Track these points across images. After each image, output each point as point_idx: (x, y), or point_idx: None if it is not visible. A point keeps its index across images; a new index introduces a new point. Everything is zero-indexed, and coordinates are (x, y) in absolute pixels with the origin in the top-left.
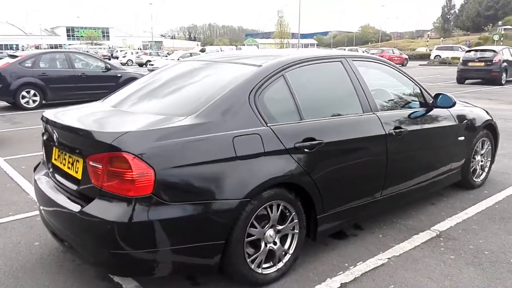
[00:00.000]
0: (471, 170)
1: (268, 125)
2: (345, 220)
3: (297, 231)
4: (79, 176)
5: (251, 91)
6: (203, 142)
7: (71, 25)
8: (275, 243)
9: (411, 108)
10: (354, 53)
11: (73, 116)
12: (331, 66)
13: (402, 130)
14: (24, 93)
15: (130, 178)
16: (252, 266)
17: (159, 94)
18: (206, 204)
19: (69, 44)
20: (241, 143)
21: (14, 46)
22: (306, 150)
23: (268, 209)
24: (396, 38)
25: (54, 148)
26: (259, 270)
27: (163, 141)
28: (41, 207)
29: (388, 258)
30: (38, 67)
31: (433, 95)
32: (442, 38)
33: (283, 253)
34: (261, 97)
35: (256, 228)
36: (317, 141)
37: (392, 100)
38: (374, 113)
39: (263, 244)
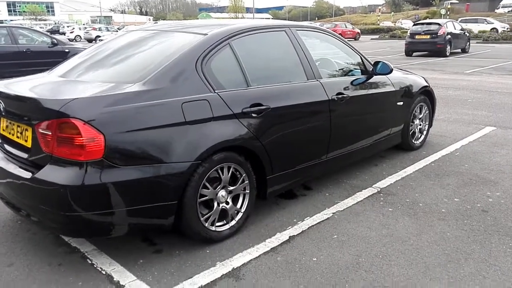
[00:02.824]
0: (411, 133)
1: (216, 91)
2: (293, 181)
3: (248, 191)
4: (28, 144)
5: (198, 58)
6: (152, 108)
7: (12, 0)
8: (227, 203)
9: (353, 75)
10: (297, 23)
11: (20, 86)
12: (275, 35)
13: (344, 95)
14: None
15: (80, 143)
16: (206, 224)
17: (107, 63)
18: (157, 167)
19: (11, 20)
20: (190, 109)
21: None
22: (253, 115)
23: (219, 171)
24: (349, 12)
25: (1, 118)
26: (213, 228)
27: (112, 107)
28: None
29: (332, 213)
30: None
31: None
32: (393, 12)
33: (236, 212)
34: (208, 64)
35: (208, 189)
36: (264, 106)
37: (335, 68)
38: (317, 80)
39: (215, 204)
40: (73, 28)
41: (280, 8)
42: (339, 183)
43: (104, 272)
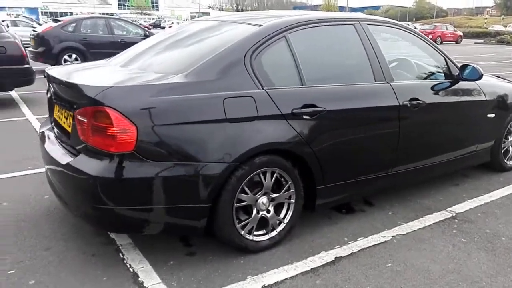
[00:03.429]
0: (503, 151)
1: (264, 88)
2: (348, 194)
3: (293, 200)
4: (70, 130)
5: (248, 51)
6: (190, 102)
7: None
8: (268, 211)
9: (435, 80)
10: (370, 17)
11: (70, 71)
12: (341, 29)
13: (420, 102)
14: (66, 57)
15: (111, 134)
16: (242, 232)
17: (162, 53)
18: (191, 165)
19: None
20: (232, 105)
21: (69, 13)
22: (305, 117)
23: (262, 176)
24: (452, 14)
25: (54, 103)
26: (250, 237)
27: (148, 98)
28: (45, 164)
29: (392, 236)
30: (79, 32)
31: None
32: (503, 16)
33: (277, 222)
34: (258, 58)
35: (247, 194)
36: (319, 108)
37: (414, 70)
38: (388, 83)
39: (254, 211)
40: (172, 23)
41: (377, 7)
42: (407, 201)
43: (131, 270)
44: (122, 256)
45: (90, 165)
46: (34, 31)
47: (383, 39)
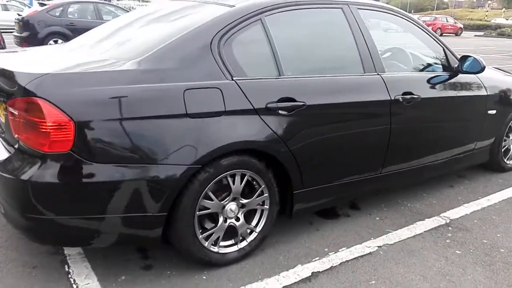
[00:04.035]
0: (503, 150)
1: (234, 78)
2: (331, 199)
3: (267, 206)
4: (4, 123)
5: (215, 35)
6: (142, 93)
7: None
8: (237, 219)
9: (432, 72)
10: (360, 1)
11: (10, 57)
12: (327, 12)
13: (414, 96)
14: (51, 42)
15: (44, 130)
16: (206, 244)
17: (125, 35)
18: (140, 168)
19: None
20: (194, 98)
21: None
22: (281, 112)
23: (229, 179)
24: (453, 6)
25: None
26: (215, 249)
27: (89, 87)
28: None
29: (378, 246)
30: (66, 16)
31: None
32: (504, 8)
33: (248, 231)
34: (228, 44)
35: (212, 200)
36: (298, 103)
37: (409, 61)
38: (378, 75)
39: (221, 219)
40: None
41: None
42: (397, 205)
43: (74, 287)
44: (67, 269)
45: (21, 167)
46: (19, 15)
47: (375, 26)
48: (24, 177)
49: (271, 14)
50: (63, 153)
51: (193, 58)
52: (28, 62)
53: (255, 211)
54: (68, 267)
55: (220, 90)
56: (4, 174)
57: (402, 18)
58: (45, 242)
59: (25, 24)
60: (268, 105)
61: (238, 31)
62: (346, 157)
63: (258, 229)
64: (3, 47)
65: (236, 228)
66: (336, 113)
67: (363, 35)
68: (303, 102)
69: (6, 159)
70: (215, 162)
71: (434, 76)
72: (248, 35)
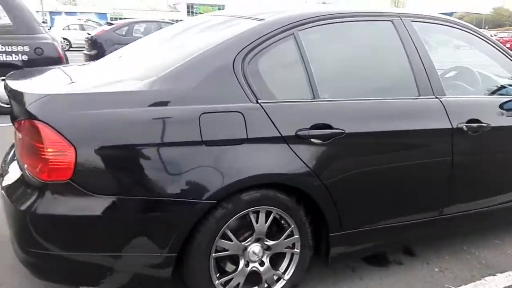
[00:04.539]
0: None
1: (259, 101)
2: (376, 244)
3: (298, 250)
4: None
5: (239, 52)
6: (151, 117)
7: (191, 2)
8: (262, 263)
9: (506, 95)
10: (415, 12)
11: (26, 75)
12: (374, 26)
13: (483, 125)
14: None
15: (43, 156)
16: None
17: (146, 54)
18: (148, 202)
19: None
20: (211, 123)
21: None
22: (315, 141)
23: (252, 217)
24: None
25: None
26: None
27: (93, 110)
28: None
29: None
30: (131, 35)
31: None
32: None
33: (275, 277)
34: (254, 61)
35: (230, 241)
36: (335, 130)
37: (476, 82)
38: (437, 98)
39: (242, 263)
40: None
41: (450, 14)
42: (462, 253)
43: None
44: None
45: (22, 195)
46: (88, 34)
47: (442, 43)
48: (23, 207)
49: (306, 28)
50: (62, 182)
51: (212, 78)
52: (39, 82)
53: (283, 254)
54: None
55: (242, 115)
56: (7, 201)
57: (468, 32)
58: (47, 279)
59: (93, 42)
60: (299, 133)
61: (267, 47)
62: (395, 195)
63: (287, 276)
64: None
65: (260, 274)
66: (382, 143)
67: (418, 52)
68: (342, 130)
69: (13, 183)
70: (234, 197)
71: (509, 101)
72: (278, 52)
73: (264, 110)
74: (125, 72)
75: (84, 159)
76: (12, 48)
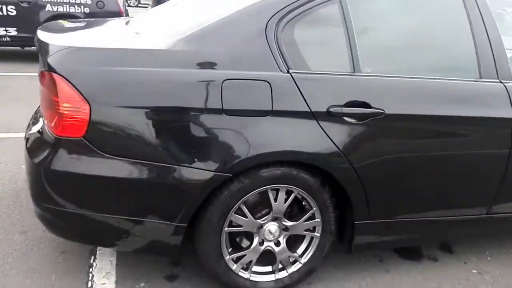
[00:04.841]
0: None
1: (290, 71)
2: (407, 237)
3: (318, 234)
4: None
5: (274, 15)
6: (172, 78)
7: None
8: (278, 244)
9: None
10: None
11: (58, 29)
12: None
13: None
14: None
15: (58, 111)
16: (234, 267)
17: (186, 12)
18: (161, 167)
19: None
20: (234, 91)
21: None
22: (348, 119)
23: (271, 195)
24: None
25: None
26: (245, 274)
27: (113, 67)
28: None
29: None
30: None
31: None
32: None
33: (291, 259)
34: (290, 26)
35: (245, 217)
36: (373, 109)
37: None
38: (501, 82)
39: (256, 241)
40: None
41: None
42: (506, 254)
43: (89, 284)
44: (92, 261)
45: (38, 148)
46: None
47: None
48: (37, 160)
49: None
50: (75, 139)
51: (241, 41)
52: (67, 35)
53: (302, 237)
54: (94, 259)
55: (269, 84)
56: (25, 152)
57: None
58: (62, 235)
59: None
60: (331, 109)
61: (306, 11)
62: (436, 188)
63: (304, 259)
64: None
65: (274, 253)
66: (427, 128)
67: (485, 26)
68: (381, 110)
69: (33, 134)
70: (252, 172)
71: None
72: (318, 16)
73: (294, 81)
74: (164, 27)
75: (99, 118)
76: (75, 0)
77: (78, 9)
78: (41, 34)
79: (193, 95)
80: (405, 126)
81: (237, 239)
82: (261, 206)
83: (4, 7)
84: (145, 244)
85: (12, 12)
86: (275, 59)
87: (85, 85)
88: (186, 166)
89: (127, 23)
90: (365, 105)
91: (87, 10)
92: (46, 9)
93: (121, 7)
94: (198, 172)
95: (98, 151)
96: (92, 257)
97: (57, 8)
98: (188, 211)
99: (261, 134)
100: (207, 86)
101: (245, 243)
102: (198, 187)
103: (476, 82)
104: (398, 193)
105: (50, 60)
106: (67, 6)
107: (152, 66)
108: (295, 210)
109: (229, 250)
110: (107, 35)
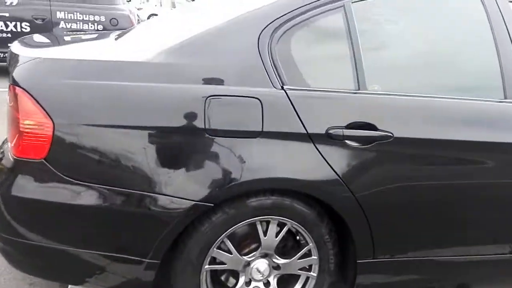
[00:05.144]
0: None
1: (285, 87)
2: (421, 278)
3: (315, 274)
4: None
5: (269, 24)
6: (147, 94)
7: None
8: (267, 284)
9: None
10: None
11: (33, 41)
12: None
13: None
14: None
15: (19, 129)
16: None
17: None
18: (131, 195)
19: None
20: (219, 109)
21: None
22: (350, 143)
23: (259, 228)
24: None
25: None
26: None
27: (81, 80)
28: None
29: None
30: None
31: None
32: None
33: None
34: (286, 37)
35: (230, 253)
36: (380, 132)
37: None
38: None
39: (242, 280)
40: None
41: None
42: None
43: None
44: None
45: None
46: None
47: None
48: None
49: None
50: (35, 161)
51: (229, 53)
52: (53, 46)
53: (296, 277)
54: None
55: (260, 102)
56: None
57: None
58: (23, 270)
59: None
60: (331, 131)
61: (305, 21)
62: (452, 223)
63: None
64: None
65: None
66: (443, 155)
67: (510, 38)
68: (389, 133)
69: None
70: (238, 202)
71: None
72: (319, 27)
73: (289, 99)
74: (150, 38)
75: (63, 137)
76: (89, 17)
77: (91, 26)
78: (15, 46)
79: (172, 113)
80: (417, 152)
81: (223, 277)
82: (248, 240)
83: (18, 24)
84: (118, 281)
85: (26, 28)
86: (267, 74)
87: (49, 100)
88: (161, 194)
89: (122, 34)
90: (371, 127)
91: (100, 27)
92: (60, 26)
93: (135, 24)
94: (174, 201)
95: (61, 175)
96: None
97: (71, 25)
98: (161, 246)
99: (249, 158)
100: (189, 103)
101: (231, 282)
102: (173, 218)
103: (500, 103)
104: (407, 228)
105: (15, 72)
106: (81, 23)
107: (128, 80)
108: (289, 246)
109: None
110: (87, 47)
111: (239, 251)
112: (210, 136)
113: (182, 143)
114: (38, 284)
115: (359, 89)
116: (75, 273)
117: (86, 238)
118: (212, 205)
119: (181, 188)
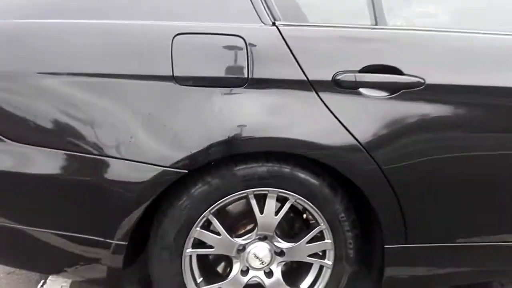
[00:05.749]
0: None
1: (277, 22)
2: (470, 270)
3: (330, 262)
4: None
5: None
6: (106, 35)
7: None
8: (270, 274)
9: None
10: None
11: None
12: None
13: None
14: None
15: None
16: None
17: None
18: (87, 160)
19: None
20: (190, 51)
21: None
22: (366, 92)
23: (253, 203)
24: None
25: None
26: None
27: (20, 19)
28: None
29: None
30: None
31: None
32: None
33: None
34: None
35: (218, 234)
36: (407, 77)
37: None
38: None
39: (236, 268)
40: None
41: None
42: None
43: None
44: (40, 285)
45: None
46: None
47: None
48: None
49: None
50: None
51: None
52: None
53: (307, 266)
54: (44, 283)
55: (244, 41)
56: None
57: None
58: None
59: None
60: (339, 77)
61: None
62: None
63: None
64: None
65: (264, 287)
66: (497, 106)
67: None
68: (420, 78)
69: None
70: (223, 170)
71: None
72: None
73: (283, 37)
74: None
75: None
76: None
77: None
78: None
79: (131, 56)
80: (459, 101)
81: (219, 268)
82: (242, 219)
83: None
84: (90, 270)
85: None
86: (254, 6)
87: None
88: (119, 158)
89: None
90: (394, 70)
91: None
92: None
93: None
94: (137, 166)
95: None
96: (42, 281)
97: None
98: (126, 224)
99: (231, 113)
100: (152, 44)
101: (225, 270)
102: (136, 189)
103: None
104: (451, 204)
105: None
106: None
107: (76, 17)
108: (296, 227)
109: (199, 281)
110: None
111: (232, 232)
112: (179, 86)
113: (144, 95)
114: (18, 273)
115: (376, 24)
116: (39, 258)
117: (46, 215)
118: (186, 171)
119: (145, 150)
